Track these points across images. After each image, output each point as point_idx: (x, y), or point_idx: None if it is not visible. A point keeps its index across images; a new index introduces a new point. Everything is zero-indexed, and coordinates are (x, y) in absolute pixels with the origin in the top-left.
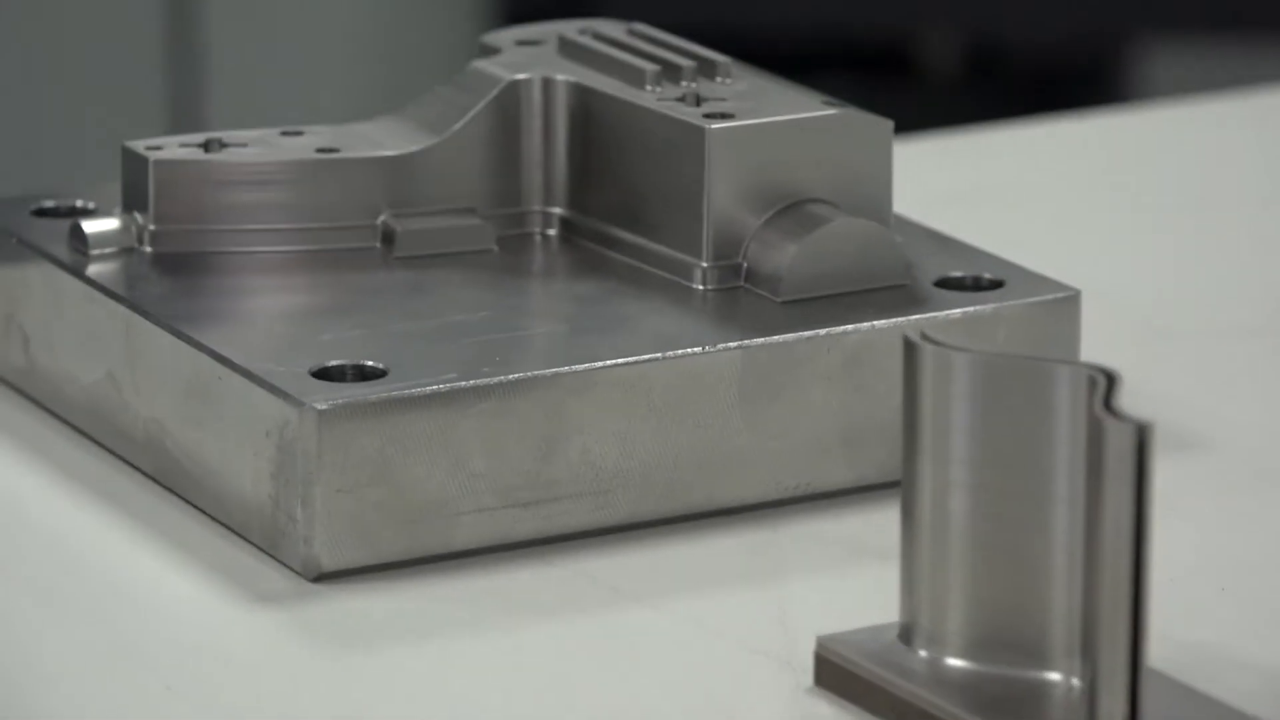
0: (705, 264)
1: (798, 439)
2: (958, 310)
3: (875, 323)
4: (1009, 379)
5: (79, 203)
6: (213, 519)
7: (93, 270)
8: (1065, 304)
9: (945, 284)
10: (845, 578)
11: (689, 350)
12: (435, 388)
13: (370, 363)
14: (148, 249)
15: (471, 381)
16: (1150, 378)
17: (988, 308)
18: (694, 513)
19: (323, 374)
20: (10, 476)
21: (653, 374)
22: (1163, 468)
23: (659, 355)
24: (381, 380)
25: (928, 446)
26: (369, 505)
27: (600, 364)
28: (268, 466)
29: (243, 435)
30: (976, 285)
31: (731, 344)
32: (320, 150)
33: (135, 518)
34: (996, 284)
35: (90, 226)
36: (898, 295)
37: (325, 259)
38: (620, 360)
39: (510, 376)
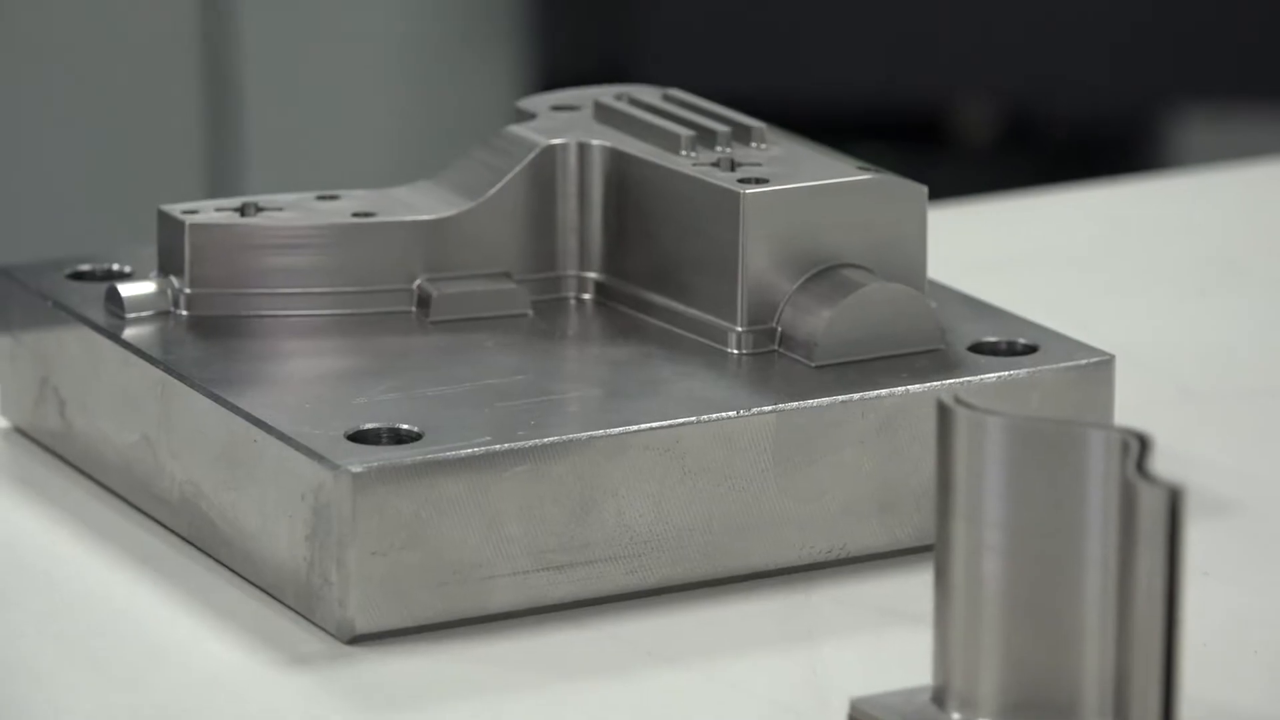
0: (740, 328)
1: (832, 503)
2: (992, 375)
3: (909, 387)
4: (1042, 443)
5: (115, 266)
6: (248, 581)
7: (128, 333)
8: (1099, 369)
9: (979, 349)
10: (878, 640)
11: (723, 414)
12: (470, 451)
13: (405, 426)
14: (183, 312)
15: (506, 445)
16: (1184, 441)
17: (1022, 372)
18: (728, 576)
19: (358, 437)
20: (46, 539)
21: (687, 438)
22: (1196, 531)
23: (693, 419)
24: (416, 444)
25: (961, 510)
26: (403, 568)
27: (634, 428)
28: (302, 529)
29: (278, 498)
30: (1011, 350)
31: (766, 408)
32: (356, 214)
33: (171, 580)
34: (1031, 349)
35: (126, 290)
36: (932, 360)
37: (360, 323)
38: (654, 424)
39: (545, 440)
